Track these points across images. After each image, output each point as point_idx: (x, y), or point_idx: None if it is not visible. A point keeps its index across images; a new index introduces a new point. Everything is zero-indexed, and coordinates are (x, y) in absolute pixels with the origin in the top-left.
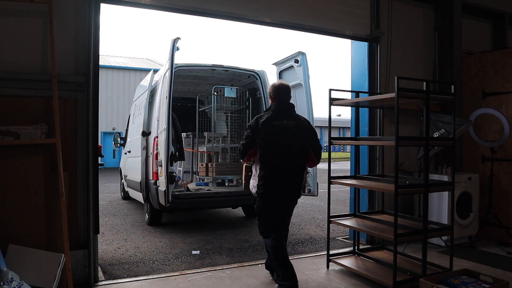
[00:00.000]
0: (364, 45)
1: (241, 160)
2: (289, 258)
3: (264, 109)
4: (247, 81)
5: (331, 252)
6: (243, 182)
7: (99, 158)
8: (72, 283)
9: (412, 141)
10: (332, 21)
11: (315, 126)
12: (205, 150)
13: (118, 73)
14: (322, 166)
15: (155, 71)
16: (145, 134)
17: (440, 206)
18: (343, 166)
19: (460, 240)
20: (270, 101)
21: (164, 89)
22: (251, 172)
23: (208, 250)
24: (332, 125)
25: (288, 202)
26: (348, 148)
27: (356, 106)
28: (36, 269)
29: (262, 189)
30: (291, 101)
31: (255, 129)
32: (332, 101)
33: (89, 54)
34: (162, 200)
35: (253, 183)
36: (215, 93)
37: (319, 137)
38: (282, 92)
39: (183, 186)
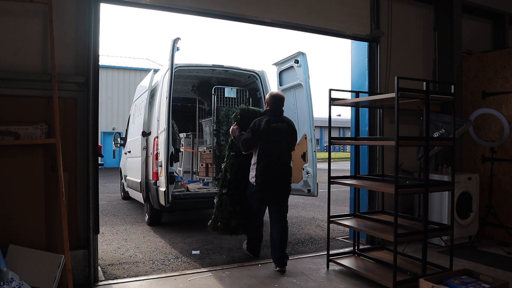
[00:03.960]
0: (364, 45)
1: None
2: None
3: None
4: (247, 81)
5: (331, 252)
6: None
7: (99, 158)
8: (72, 283)
9: (412, 141)
10: (332, 21)
11: (315, 126)
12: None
13: (118, 73)
14: (322, 166)
15: (155, 71)
16: (145, 134)
17: (440, 206)
18: (343, 166)
19: (460, 240)
20: (265, 106)
21: (164, 89)
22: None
23: (208, 250)
24: (332, 125)
25: (282, 191)
26: (348, 148)
27: (356, 106)
28: (36, 270)
29: (260, 178)
30: (291, 101)
31: (257, 131)
32: (332, 101)
33: (89, 54)
34: (162, 200)
35: (252, 173)
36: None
37: (319, 137)
38: (278, 100)
39: (183, 186)
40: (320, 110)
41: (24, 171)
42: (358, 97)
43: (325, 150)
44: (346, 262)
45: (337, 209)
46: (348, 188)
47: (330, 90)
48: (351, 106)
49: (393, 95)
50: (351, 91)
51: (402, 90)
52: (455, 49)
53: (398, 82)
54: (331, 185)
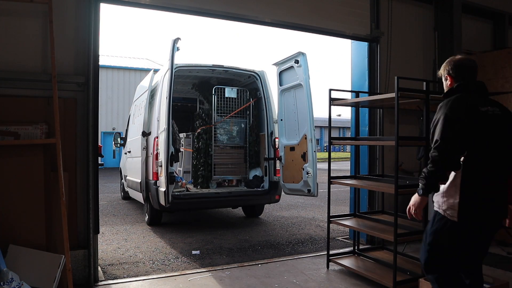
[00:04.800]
0: (364, 45)
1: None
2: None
3: (264, 109)
4: (247, 81)
5: (331, 252)
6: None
7: (99, 158)
8: (72, 283)
9: (412, 141)
10: (332, 21)
11: (315, 126)
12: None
13: (118, 73)
14: (322, 166)
15: (155, 71)
16: (145, 134)
17: None
18: (343, 166)
19: None
20: (449, 82)
21: (164, 89)
22: None
23: (208, 250)
24: (332, 125)
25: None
26: (348, 148)
27: (356, 106)
28: (36, 270)
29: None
30: (291, 101)
31: (462, 120)
32: (332, 101)
33: (89, 54)
34: (162, 201)
35: (444, 200)
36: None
37: (319, 137)
38: (468, 68)
39: (182, 186)
40: (320, 110)
41: (24, 171)
42: (358, 97)
43: (325, 150)
44: (346, 262)
45: (337, 209)
46: (348, 188)
47: (330, 90)
48: (351, 106)
49: (393, 95)
50: (351, 91)
51: (402, 90)
52: (455, 49)
53: (398, 82)
54: (331, 185)
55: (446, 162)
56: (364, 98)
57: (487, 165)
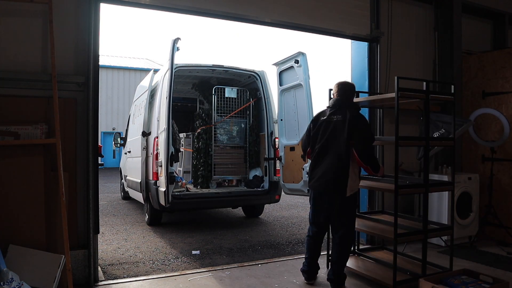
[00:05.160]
0: (364, 45)
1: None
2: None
3: (264, 109)
4: (247, 81)
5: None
6: None
7: (99, 158)
8: (72, 283)
9: (412, 141)
10: (332, 21)
11: None
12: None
13: (118, 73)
14: None
15: (155, 71)
16: (145, 134)
17: (440, 206)
18: None
19: (460, 240)
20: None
21: (164, 89)
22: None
23: (208, 250)
24: None
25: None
26: None
27: None
28: (36, 270)
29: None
30: (291, 101)
31: (309, 127)
32: None
33: (89, 54)
34: (162, 201)
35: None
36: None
37: None
38: (343, 88)
39: (182, 186)
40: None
41: (24, 171)
42: (358, 97)
43: None
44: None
45: None
46: None
47: (330, 90)
48: None
49: (393, 95)
50: None
51: (402, 90)
52: (455, 49)
53: (398, 82)
54: None
55: (303, 150)
56: (364, 98)
57: (321, 155)
